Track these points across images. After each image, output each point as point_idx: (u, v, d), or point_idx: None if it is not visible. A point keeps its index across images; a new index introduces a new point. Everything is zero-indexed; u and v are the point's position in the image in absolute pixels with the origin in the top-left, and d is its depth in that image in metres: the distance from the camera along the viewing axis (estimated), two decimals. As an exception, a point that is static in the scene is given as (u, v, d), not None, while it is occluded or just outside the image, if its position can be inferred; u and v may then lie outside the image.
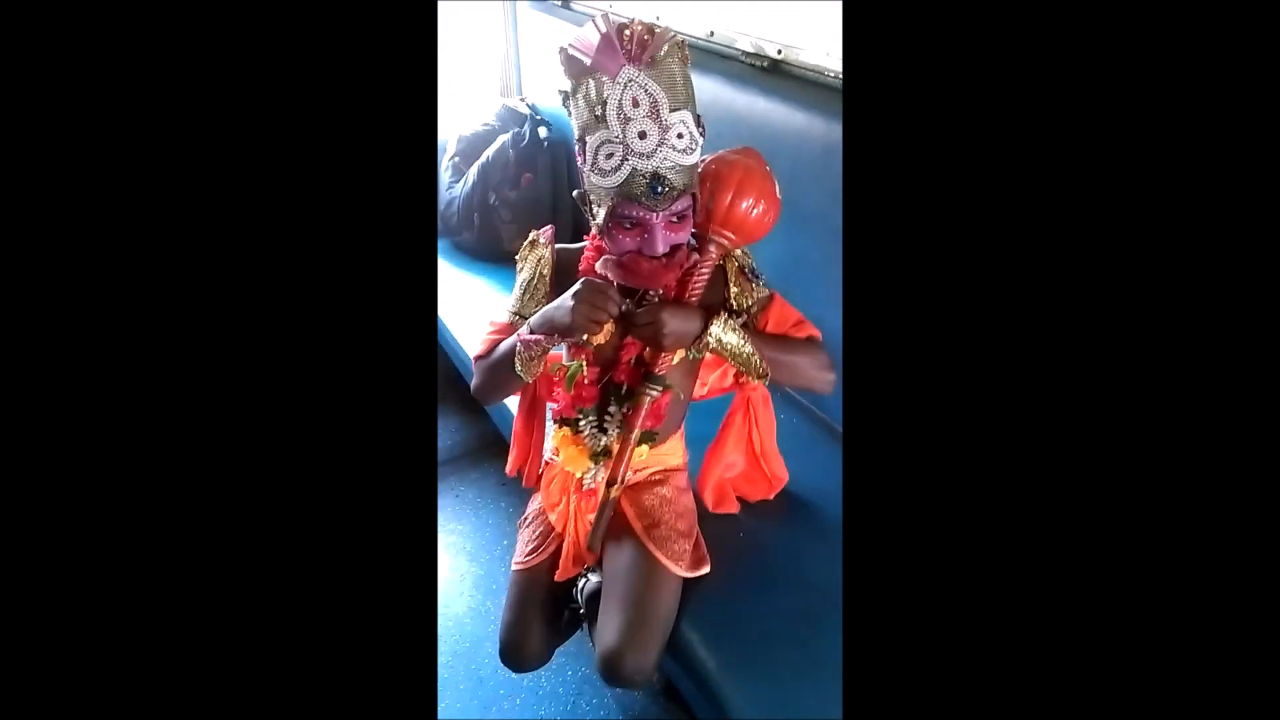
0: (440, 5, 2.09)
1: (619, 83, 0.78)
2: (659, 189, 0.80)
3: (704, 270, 0.91)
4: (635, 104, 0.79)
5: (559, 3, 1.99)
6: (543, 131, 1.90)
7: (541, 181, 1.90)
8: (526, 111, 1.96)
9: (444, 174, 2.01)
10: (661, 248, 0.84)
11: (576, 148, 0.86)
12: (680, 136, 0.80)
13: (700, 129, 0.84)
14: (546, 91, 2.03)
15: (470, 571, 1.66)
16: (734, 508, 1.13)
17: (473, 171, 1.93)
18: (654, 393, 0.94)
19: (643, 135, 0.79)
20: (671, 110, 0.79)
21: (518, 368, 0.91)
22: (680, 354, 0.94)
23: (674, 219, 0.84)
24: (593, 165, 0.83)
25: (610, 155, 0.81)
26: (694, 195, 0.85)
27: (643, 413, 0.95)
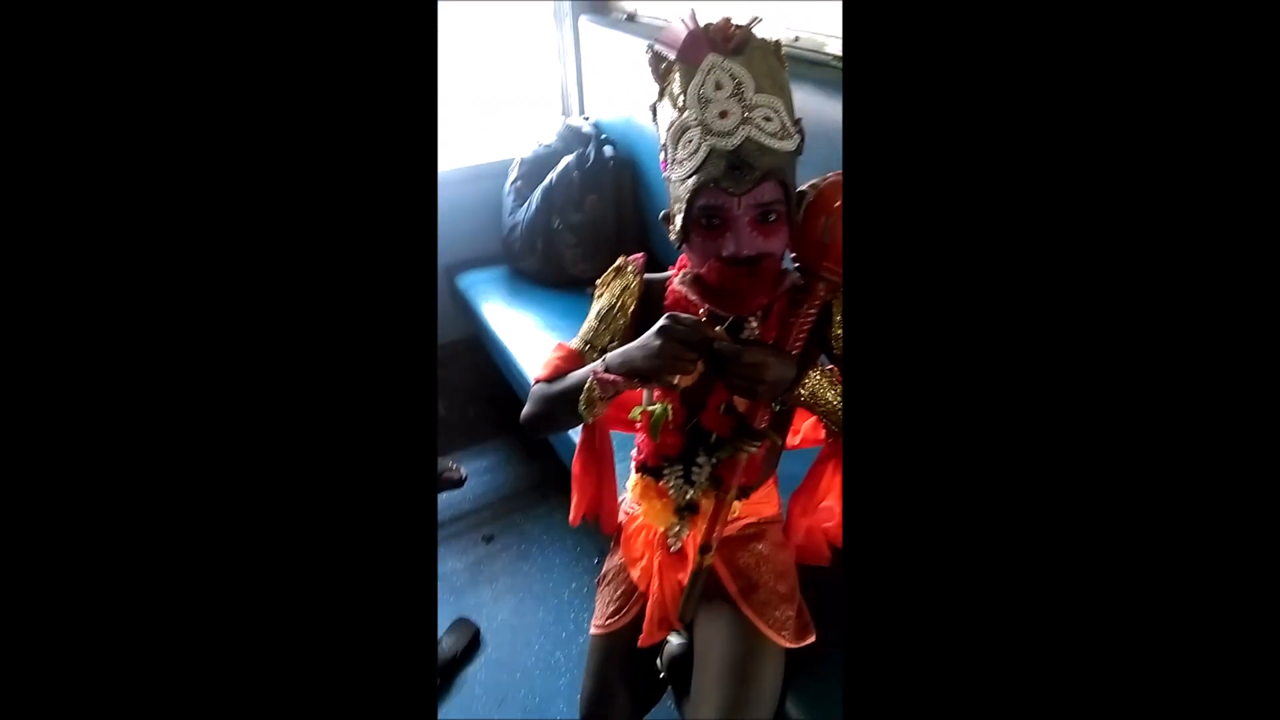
0: (496, 21, 2.05)
1: (702, 70, 0.72)
2: (739, 169, 0.71)
3: (810, 313, 0.79)
4: (718, 87, 0.71)
5: (623, 16, 1.92)
6: (608, 150, 1.81)
7: (606, 203, 1.82)
8: (590, 131, 1.88)
9: (506, 199, 1.94)
10: (746, 249, 0.73)
11: (661, 158, 0.77)
12: (768, 119, 0.71)
13: (798, 128, 0.74)
14: (610, 109, 1.95)
15: (538, 619, 1.57)
16: (824, 560, 1.00)
17: (536, 195, 1.86)
18: (752, 449, 0.82)
19: (723, 115, 0.71)
20: (757, 92, 0.71)
21: (581, 406, 0.81)
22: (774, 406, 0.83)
23: (760, 215, 0.73)
24: (673, 161, 0.75)
25: (689, 142, 0.72)
26: (785, 186, 0.74)
27: (739, 470, 0.83)
